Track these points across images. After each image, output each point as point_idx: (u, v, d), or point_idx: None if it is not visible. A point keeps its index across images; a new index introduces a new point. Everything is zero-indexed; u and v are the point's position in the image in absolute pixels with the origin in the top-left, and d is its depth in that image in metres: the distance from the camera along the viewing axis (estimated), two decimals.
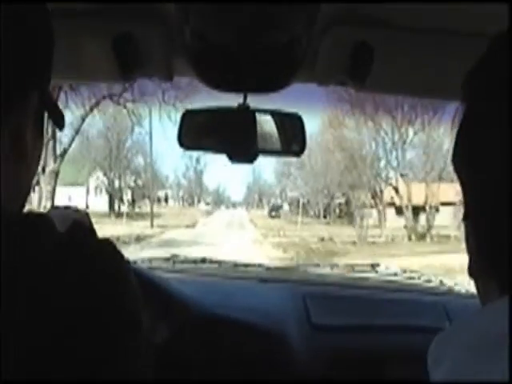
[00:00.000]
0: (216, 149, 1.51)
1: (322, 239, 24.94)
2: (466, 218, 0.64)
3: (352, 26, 1.17)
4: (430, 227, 26.02)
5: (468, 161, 0.63)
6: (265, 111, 1.47)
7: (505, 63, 0.59)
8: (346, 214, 39.40)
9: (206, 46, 1.23)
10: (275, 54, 1.27)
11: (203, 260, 2.26)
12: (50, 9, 0.71)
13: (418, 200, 27.35)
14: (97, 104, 19.47)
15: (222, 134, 1.49)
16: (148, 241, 21.15)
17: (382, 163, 28.86)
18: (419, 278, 2.19)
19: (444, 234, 24.90)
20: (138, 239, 20.50)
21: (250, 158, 1.49)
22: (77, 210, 1.19)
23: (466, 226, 0.65)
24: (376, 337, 1.67)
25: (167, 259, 2.20)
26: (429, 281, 2.13)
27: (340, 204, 40.41)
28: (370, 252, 19.30)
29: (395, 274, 2.24)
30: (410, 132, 26.37)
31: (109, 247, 0.68)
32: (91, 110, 19.52)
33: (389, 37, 1.19)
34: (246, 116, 1.45)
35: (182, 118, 1.49)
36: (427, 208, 26.74)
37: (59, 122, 0.78)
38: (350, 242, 23.82)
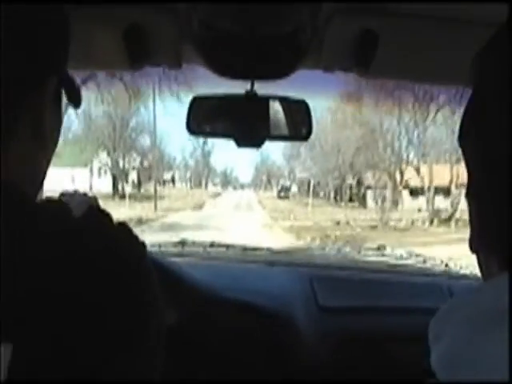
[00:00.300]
0: (223, 134, 1.59)
1: (338, 223, 23.73)
2: (468, 194, 0.69)
3: (356, 15, 1.24)
4: (454, 211, 25.24)
5: (473, 140, 0.67)
6: (272, 97, 1.55)
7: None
8: (357, 195, 39.12)
9: (214, 34, 1.30)
10: (281, 42, 1.34)
11: (212, 244, 2.35)
12: None
13: (441, 182, 26.84)
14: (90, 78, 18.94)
15: (229, 119, 1.57)
16: (149, 224, 20.73)
17: (403, 142, 28.21)
18: (425, 261, 2.27)
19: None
20: (140, 222, 20.02)
21: (257, 142, 1.57)
22: (85, 195, 1.21)
23: (468, 202, 0.69)
24: (381, 318, 1.75)
25: (176, 243, 2.29)
26: (434, 264, 2.21)
27: (351, 186, 39.95)
28: (395, 238, 17.99)
29: (401, 257, 2.32)
30: (433, 108, 25.45)
31: (126, 232, 0.72)
32: (84, 82, 18.88)
33: (392, 24, 1.26)
34: (254, 102, 1.53)
35: (191, 104, 1.56)
36: (452, 190, 26.20)
37: (76, 101, 0.82)
38: (368, 227, 22.53)
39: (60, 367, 0.59)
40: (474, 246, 0.69)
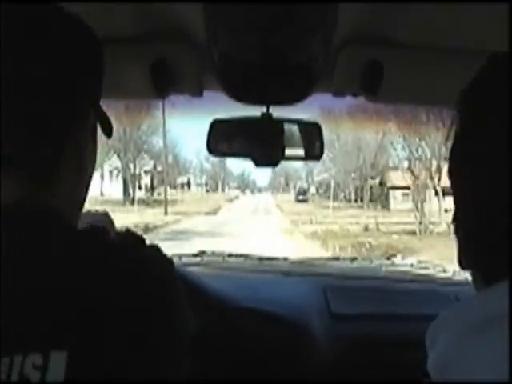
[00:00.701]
0: (241, 154, 1.76)
1: (366, 228, 21.89)
2: (454, 220, 0.79)
3: (363, 46, 1.42)
4: None
5: (459, 178, 0.77)
6: (286, 120, 1.73)
7: (494, 83, 0.74)
8: (379, 196, 38.62)
9: (233, 64, 1.48)
10: (295, 71, 1.51)
11: (230, 254, 2.50)
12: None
13: None
14: None
15: (246, 140, 1.73)
16: (157, 231, 20.15)
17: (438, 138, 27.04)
18: (434, 269, 2.41)
19: None
20: (146, 230, 19.36)
21: (273, 162, 1.74)
22: (106, 214, 1.28)
23: (455, 226, 0.79)
24: (392, 325, 1.88)
25: (196, 255, 2.44)
26: (443, 271, 2.36)
27: (371, 186, 39.34)
28: (447, 250, 12.15)
29: (411, 265, 2.47)
30: None
31: (156, 251, 0.82)
32: None
33: (396, 55, 1.44)
34: (270, 124, 1.70)
35: (211, 126, 1.73)
36: None
37: (108, 132, 0.91)
38: (406, 232, 20.43)
39: (110, 375, 0.68)
40: (462, 266, 0.79)
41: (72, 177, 0.83)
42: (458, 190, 0.79)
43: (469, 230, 0.76)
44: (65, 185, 0.82)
